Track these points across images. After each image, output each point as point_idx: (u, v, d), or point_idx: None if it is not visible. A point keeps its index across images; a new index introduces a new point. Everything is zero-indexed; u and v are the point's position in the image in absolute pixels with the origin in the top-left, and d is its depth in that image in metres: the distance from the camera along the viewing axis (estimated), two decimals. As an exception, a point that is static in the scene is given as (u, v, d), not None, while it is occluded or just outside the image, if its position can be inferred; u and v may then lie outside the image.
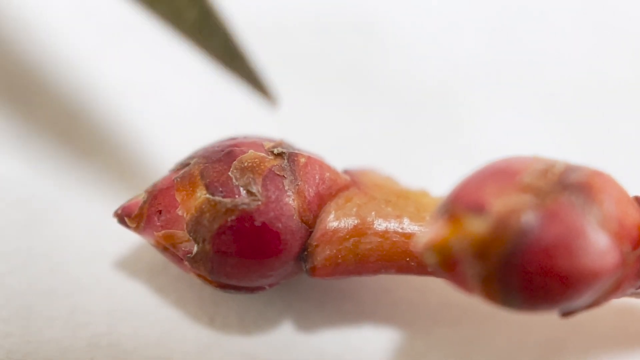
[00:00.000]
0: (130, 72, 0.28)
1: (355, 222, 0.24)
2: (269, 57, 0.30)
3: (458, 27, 0.31)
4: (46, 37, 0.29)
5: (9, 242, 0.26)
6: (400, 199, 0.24)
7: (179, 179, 0.24)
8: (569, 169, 0.21)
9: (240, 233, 0.23)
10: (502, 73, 0.30)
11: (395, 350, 0.25)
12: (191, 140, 0.26)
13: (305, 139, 0.27)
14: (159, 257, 0.26)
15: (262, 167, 0.24)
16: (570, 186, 0.21)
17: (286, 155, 0.24)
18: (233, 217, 0.23)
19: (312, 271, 0.24)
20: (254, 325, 0.25)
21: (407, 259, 0.24)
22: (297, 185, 0.24)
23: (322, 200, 0.24)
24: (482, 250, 0.20)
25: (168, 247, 0.24)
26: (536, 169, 0.21)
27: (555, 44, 0.31)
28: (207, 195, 0.23)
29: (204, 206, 0.24)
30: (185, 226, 0.24)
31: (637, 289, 0.23)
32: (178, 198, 0.24)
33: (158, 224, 0.24)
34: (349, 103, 0.29)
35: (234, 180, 0.24)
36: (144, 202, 0.24)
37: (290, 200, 0.24)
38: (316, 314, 0.26)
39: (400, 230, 0.24)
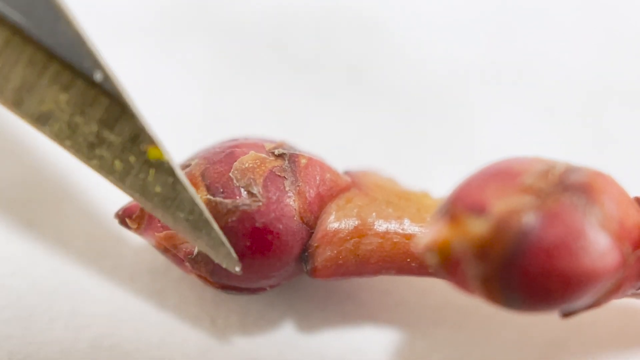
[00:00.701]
0: (131, 73, 0.28)
1: (356, 223, 0.24)
2: (270, 57, 0.30)
3: (459, 28, 0.31)
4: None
5: (10, 243, 0.26)
6: (401, 200, 0.24)
7: (180, 180, 0.24)
8: (570, 169, 0.21)
9: (241, 234, 0.23)
10: (503, 74, 0.30)
11: (396, 352, 0.25)
12: (192, 142, 0.26)
13: (306, 140, 0.27)
14: (160, 259, 0.26)
15: (263, 168, 0.24)
16: (571, 187, 0.21)
17: (287, 157, 0.24)
18: (234, 218, 0.23)
19: (313, 272, 0.24)
20: (255, 327, 0.25)
21: (408, 260, 0.24)
22: (298, 186, 0.24)
23: (322, 201, 0.24)
24: (483, 250, 0.20)
25: (169, 248, 0.24)
26: (537, 169, 0.21)
27: (556, 44, 0.31)
28: (208, 196, 0.23)
29: (204, 207, 0.24)
30: (186, 227, 0.24)
31: (637, 289, 0.23)
32: (179, 199, 0.24)
33: (159, 225, 0.24)
34: (350, 104, 0.29)
35: (234, 181, 0.24)
36: (145, 203, 0.24)
37: (291, 201, 0.24)
38: (317, 315, 0.25)
39: (401, 231, 0.24)
